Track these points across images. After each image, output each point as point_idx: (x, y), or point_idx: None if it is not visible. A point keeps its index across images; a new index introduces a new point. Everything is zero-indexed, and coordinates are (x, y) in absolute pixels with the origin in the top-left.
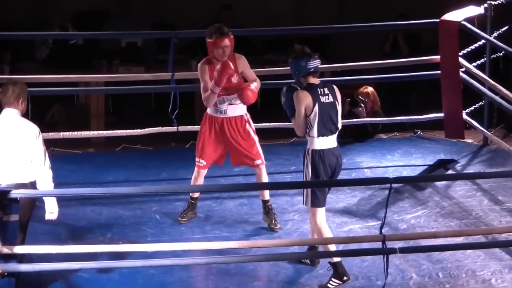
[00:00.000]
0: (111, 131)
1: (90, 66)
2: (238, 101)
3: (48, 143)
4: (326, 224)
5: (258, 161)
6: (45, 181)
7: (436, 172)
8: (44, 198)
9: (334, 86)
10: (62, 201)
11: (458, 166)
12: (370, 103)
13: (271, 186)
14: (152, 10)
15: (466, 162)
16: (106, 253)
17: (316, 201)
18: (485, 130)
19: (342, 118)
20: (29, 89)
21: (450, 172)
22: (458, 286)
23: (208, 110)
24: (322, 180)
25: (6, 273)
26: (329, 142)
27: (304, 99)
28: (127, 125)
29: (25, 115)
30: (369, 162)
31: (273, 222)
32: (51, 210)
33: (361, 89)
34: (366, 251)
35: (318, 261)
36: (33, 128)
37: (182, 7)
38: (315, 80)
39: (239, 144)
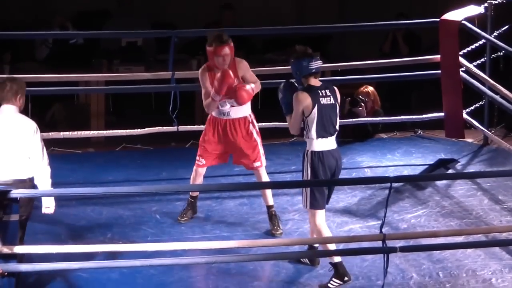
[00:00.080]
0: (111, 131)
1: (90, 66)
2: None
3: (48, 142)
4: (325, 225)
5: (257, 163)
6: (43, 177)
7: (437, 171)
8: (40, 184)
9: (335, 88)
10: (62, 200)
11: (458, 166)
12: (370, 103)
13: (271, 185)
14: (152, 9)
15: (467, 161)
16: (106, 253)
17: (315, 203)
18: (486, 130)
19: (342, 118)
20: (29, 88)
21: (450, 171)
22: (458, 285)
23: (212, 112)
24: (322, 180)
25: (6, 273)
26: (328, 143)
27: (304, 101)
28: (127, 124)
29: (25, 114)
30: (370, 162)
31: (275, 228)
32: (48, 205)
33: (362, 88)
34: (367, 250)
35: (318, 261)
36: (31, 125)
37: (182, 7)
38: (316, 81)
39: (240, 146)
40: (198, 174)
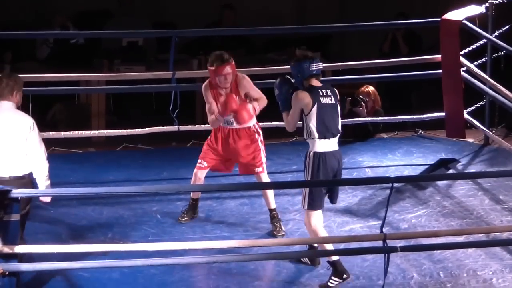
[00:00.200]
0: (112, 131)
1: (91, 65)
2: None
3: (49, 142)
4: (321, 226)
5: (259, 169)
6: (41, 173)
7: (437, 171)
8: (38, 182)
9: (335, 89)
10: (63, 200)
11: (459, 166)
12: (371, 102)
13: (272, 186)
14: (153, 9)
15: (467, 161)
16: (107, 253)
17: (313, 203)
18: (486, 130)
19: (342, 118)
20: (30, 88)
21: (451, 171)
22: (459, 285)
23: None
24: (323, 180)
25: (7, 273)
26: (331, 145)
27: (303, 99)
28: (128, 124)
29: (26, 113)
30: (370, 162)
31: (277, 229)
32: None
33: (362, 88)
34: (367, 250)
35: (319, 261)
36: (27, 120)
37: (183, 7)
38: (317, 82)
39: (241, 154)
40: (198, 177)
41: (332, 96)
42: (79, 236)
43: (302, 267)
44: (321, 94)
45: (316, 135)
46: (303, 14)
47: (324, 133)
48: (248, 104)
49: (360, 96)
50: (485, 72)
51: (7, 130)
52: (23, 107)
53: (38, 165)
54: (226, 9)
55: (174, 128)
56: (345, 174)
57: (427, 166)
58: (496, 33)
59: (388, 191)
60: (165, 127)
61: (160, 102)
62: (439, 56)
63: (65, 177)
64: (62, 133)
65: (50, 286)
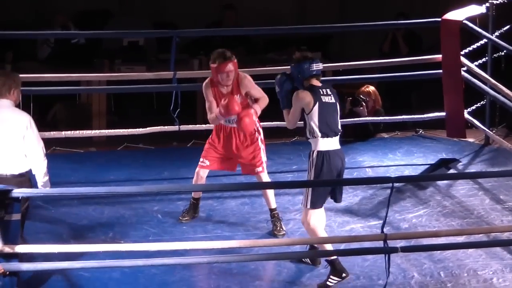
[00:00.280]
0: (113, 130)
1: (92, 65)
2: None
3: (50, 142)
4: (321, 226)
5: (259, 169)
6: (40, 171)
7: (438, 171)
8: (36, 176)
9: (334, 89)
10: (63, 200)
11: (459, 165)
12: (371, 102)
13: (273, 185)
14: (154, 9)
15: (468, 161)
16: (108, 252)
17: (316, 202)
18: (487, 129)
19: (343, 118)
20: (30, 88)
21: (451, 171)
22: (459, 285)
23: None
24: (324, 180)
25: (7, 272)
26: (333, 143)
27: (304, 98)
28: (129, 124)
29: (27, 113)
30: (371, 161)
31: (278, 229)
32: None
33: (363, 88)
34: (368, 250)
35: (320, 260)
36: (24, 118)
37: (183, 7)
38: (317, 82)
39: (242, 153)
40: (200, 176)
41: (332, 95)
42: (80, 236)
43: (303, 267)
44: (321, 93)
45: (319, 134)
46: (303, 14)
47: (327, 132)
48: (251, 110)
49: (361, 96)
50: (485, 72)
51: (5, 128)
52: (24, 106)
53: (36, 162)
54: (227, 9)
55: (175, 128)
56: (345, 174)
57: (427, 166)
58: (496, 33)
59: (388, 191)
60: (166, 127)
61: (161, 102)
62: (439, 56)
63: (66, 176)
64: (63, 132)
65: (50, 285)
